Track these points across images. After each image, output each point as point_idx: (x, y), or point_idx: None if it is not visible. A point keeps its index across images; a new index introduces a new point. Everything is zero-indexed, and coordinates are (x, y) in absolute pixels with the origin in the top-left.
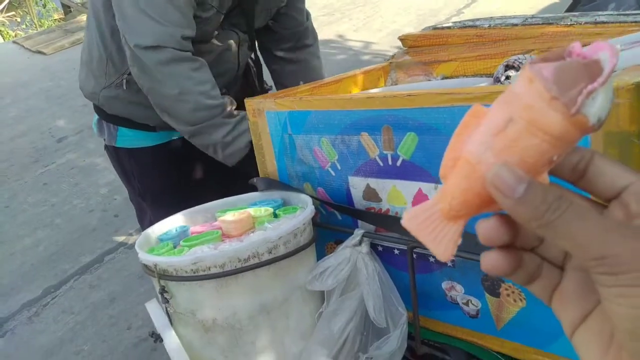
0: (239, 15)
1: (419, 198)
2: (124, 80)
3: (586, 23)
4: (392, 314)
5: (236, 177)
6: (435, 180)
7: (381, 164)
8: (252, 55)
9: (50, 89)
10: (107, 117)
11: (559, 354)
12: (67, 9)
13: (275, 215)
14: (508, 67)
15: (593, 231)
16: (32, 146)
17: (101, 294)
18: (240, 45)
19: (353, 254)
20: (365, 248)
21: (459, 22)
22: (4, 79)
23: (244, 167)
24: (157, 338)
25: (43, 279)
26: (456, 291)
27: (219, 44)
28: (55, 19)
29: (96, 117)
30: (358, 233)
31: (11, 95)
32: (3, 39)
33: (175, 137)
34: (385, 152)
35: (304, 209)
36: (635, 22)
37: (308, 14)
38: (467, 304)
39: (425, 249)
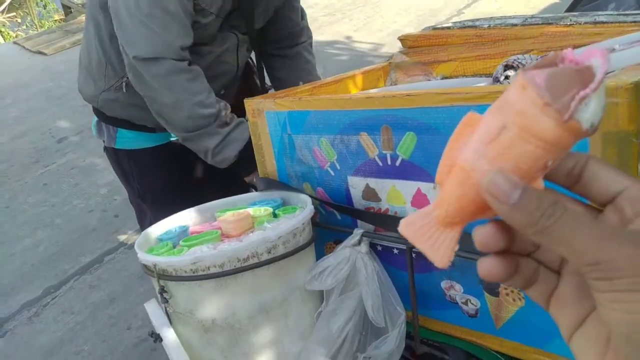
0: (239, 17)
1: (418, 198)
2: (124, 84)
3: (586, 23)
4: (391, 313)
5: (236, 177)
6: (435, 179)
7: (380, 163)
8: (252, 56)
9: (50, 89)
10: (107, 119)
11: (557, 353)
12: (67, 9)
13: (275, 215)
14: (507, 67)
15: (587, 237)
16: (33, 146)
17: (101, 294)
18: (239, 47)
19: (352, 254)
20: (364, 248)
21: (459, 22)
22: (4, 80)
23: (243, 168)
24: (157, 338)
25: (43, 279)
26: (455, 290)
27: (218, 46)
28: (55, 20)
29: (95, 119)
30: (357, 233)
31: (12, 95)
32: (4, 39)
33: (173, 139)
34: (384, 151)
35: (303, 208)
36: (635, 22)
37: (303, 13)
38: (466, 303)
39: None
